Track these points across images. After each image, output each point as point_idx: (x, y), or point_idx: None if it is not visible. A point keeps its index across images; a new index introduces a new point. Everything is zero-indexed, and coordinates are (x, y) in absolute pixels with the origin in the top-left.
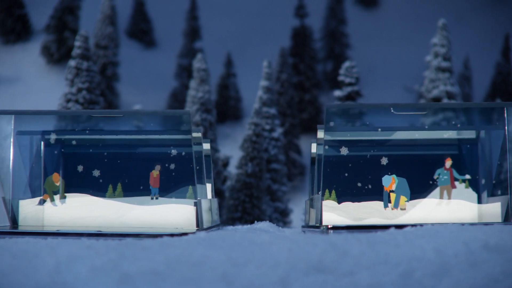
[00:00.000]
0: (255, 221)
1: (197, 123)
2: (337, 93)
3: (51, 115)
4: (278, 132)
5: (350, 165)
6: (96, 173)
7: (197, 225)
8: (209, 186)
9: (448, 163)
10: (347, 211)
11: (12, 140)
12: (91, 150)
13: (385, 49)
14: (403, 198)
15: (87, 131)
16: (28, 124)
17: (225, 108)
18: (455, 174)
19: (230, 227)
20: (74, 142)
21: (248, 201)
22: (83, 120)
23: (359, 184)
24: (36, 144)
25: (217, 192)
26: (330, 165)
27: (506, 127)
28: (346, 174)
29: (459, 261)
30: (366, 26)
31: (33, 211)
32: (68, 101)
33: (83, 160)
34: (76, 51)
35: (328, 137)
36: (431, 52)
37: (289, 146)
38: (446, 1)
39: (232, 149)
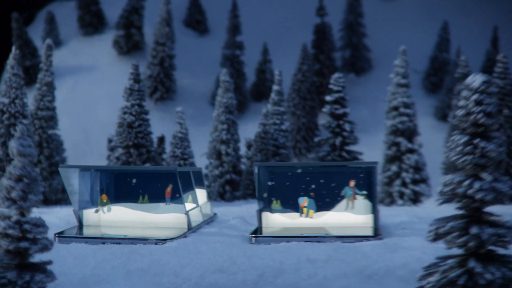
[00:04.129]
0: (231, 218)
1: (222, 122)
2: (328, 98)
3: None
4: (286, 125)
5: (275, 191)
6: (132, 190)
7: (188, 227)
8: (203, 192)
9: (352, 183)
10: (279, 220)
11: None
12: (128, 179)
13: (398, 36)
14: (311, 211)
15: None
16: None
17: (262, 89)
18: (357, 190)
19: (220, 218)
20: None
21: None
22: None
23: (283, 202)
24: (94, 175)
25: (238, 172)
26: (263, 191)
27: (376, 167)
28: (273, 196)
29: (290, 269)
30: (382, 16)
31: (92, 216)
32: (124, 113)
33: (124, 183)
34: (129, 76)
35: (261, 177)
36: (393, 71)
37: (308, 125)
38: None
39: None
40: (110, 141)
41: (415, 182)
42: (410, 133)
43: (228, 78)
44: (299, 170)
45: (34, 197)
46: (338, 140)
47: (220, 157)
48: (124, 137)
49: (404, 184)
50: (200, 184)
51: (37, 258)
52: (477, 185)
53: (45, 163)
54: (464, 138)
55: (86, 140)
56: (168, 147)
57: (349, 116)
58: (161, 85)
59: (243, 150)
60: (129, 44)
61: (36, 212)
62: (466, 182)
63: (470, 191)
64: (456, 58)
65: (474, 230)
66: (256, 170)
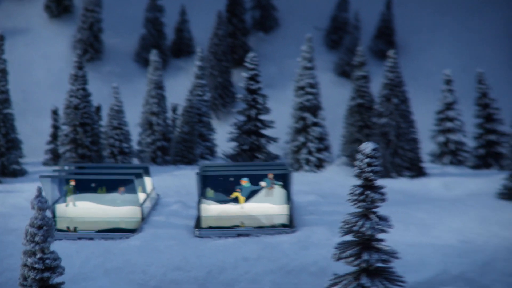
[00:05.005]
0: (173, 201)
1: (153, 96)
2: (245, 74)
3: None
4: (207, 96)
5: (214, 187)
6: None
7: (142, 218)
8: (149, 180)
9: (270, 175)
10: (215, 210)
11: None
12: (92, 185)
13: None
14: (243, 198)
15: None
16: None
17: (181, 46)
18: (274, 181)
19: (163, 200)
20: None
21: (185, 149)
22: (84, 175)
23: (220, 196)
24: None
25: (168, 139)
26: (202, 193)
27: (289, 167)
28: (213, 191)
29: (229, 266)
30: None
31: (63, 210)
32: (70, 96)
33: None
34: (74, 64)
35: (202, 180)
36: (301, 56)
37: (224, 83)
38: None
39: (184, 82)
40: (55, 112)
41: (319, 150)
42: (315, 109)
43: (157, 58)
44: (231, 179)
45: (51, 239)
46: (253, 112)
47: (151, 126)
48: (71, 117)
49: (309, 152)
50: (148, 175)
51: (54, 281)
52: (367, 224)
53: (2, 140)
54: (359, 190)
55: (25, 99)
56: (105, 117)
57: (262, 90)
58: (90, 47)
59: (169, 113)
60: (60, 8)
61: (3, 191)
62: (360, 222)
63: (362, 229)
64: (355, 21)
65: (365, 256)
66: (196, 177)
